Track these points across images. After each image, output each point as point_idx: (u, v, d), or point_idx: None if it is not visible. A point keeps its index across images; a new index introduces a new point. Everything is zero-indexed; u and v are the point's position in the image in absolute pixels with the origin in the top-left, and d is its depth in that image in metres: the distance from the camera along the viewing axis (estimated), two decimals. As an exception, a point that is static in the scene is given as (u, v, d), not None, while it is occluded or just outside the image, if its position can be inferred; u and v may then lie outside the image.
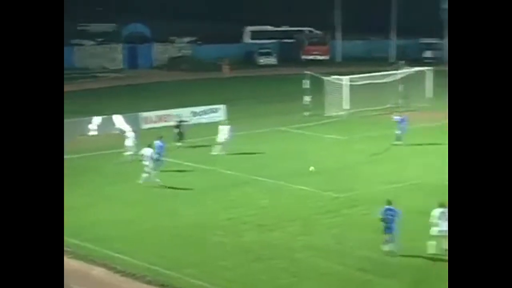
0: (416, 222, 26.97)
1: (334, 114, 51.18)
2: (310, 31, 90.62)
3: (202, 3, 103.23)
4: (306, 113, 51.38)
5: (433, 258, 24.75)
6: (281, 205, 31.27)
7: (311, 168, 32.76)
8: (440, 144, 41.52)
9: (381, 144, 42.48)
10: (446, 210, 24.26)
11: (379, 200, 30.81)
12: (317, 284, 23.13)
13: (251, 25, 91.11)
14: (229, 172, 36.64)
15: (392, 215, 25.25)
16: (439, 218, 24.88)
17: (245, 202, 31.72)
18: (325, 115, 51.21)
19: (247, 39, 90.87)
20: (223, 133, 41.35)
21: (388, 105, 53.63)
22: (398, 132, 42.59)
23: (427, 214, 25.73)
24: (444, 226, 24.24)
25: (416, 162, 38.73)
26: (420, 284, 23.02)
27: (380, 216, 25.45)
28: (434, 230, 25.02)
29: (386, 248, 25.14)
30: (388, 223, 25.14)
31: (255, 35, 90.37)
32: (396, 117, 43.39)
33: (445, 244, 23.99)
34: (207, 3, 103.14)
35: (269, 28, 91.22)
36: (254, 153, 41.18)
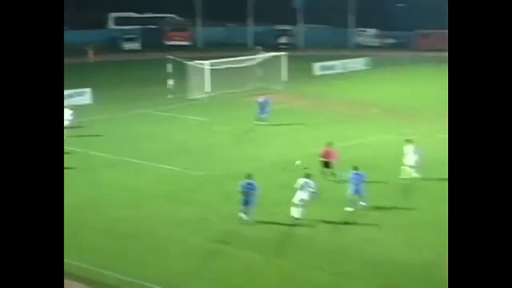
0: (275, 196, 27.47)
1: (197, 97, 51.23)
2: (172, 17, 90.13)
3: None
4: (170, 96, 51.09)
5: (288, 232, 25.16)
6: (148, 184, 30.90)
7: (297, 162, 31.87)
8: (299, 124, 42.34)
9: (242, 125, 42.77)
10: (310, 181, 25.68)
11: (241, 177, 31.12)
12: (181, 258, 22.98)
13: (115, 11, 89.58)
14: (98, 154, 35.87)
15: (250, 189, 25.65)
16: (302, 187, 25.56)
17: (113, 182, 31.14)
18: (188, 98, 51.10)
19: (111, 25, 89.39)
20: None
21: (247, 88, 54.18)
22: (261, 113, 42.88)
23: (288, 188, 26.25)
24: (305, 195, 25.35)
25: (279, 140, 39.20)
26: (280, 252, 23.27)
27: (240, 190, 25.78)
28: (296, 198, 25.67)
29: (244, 218, 25.59)
30: (246, 196, 25.54)
31: (119, 21, 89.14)
32: (260, 100, 43.69)
33: (303, 213, 25.25)
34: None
35: (132, 14, 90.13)
36: (120, 136, 40.48)
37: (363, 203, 27.24)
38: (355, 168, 27.68)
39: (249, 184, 25.78)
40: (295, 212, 25.68)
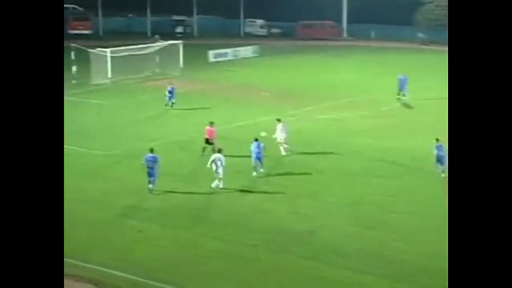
0: (171, 172, 27.76)
1: (99, 82, 50.58)
2: (74, 8, 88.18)
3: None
4: (74, 81, 50.14)
5: (180, 205, 25.46)
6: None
7: (263, 134, 31.35)
8: (194, 108, 42.49)
9: (142, 108, 42.59)
10: (221, 156, 26.85)
11: (140, 156, 31.14)
12: (86, 232, 22.94)
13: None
14: None
15: (153, 161, 26.65)
16: (215, 162, 26.74)
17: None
18: (91, 83, 50.35)
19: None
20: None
21: (146, 74, 53.89)
22: (169, 98, 42.43)
23: (182, 165, 26.62)
24: (219, 170, 26.71)
25: (175, 122, 39.30)
26: (176, 224, 23.54)
27: (144, 162, 26.68)
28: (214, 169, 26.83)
29: (149, 187, 26.51)
30: (150, 168, 26.55)
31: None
32: (169, 88, 43.11)
33: (219, 184, 26.65)
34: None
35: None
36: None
37: (262, 170, 28.57)
38: (256, 139, 29.02)
39: (152, 157, 26.70)
40: (214, 184, 26.82)
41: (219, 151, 27.49)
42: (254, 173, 28.62)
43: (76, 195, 26.26)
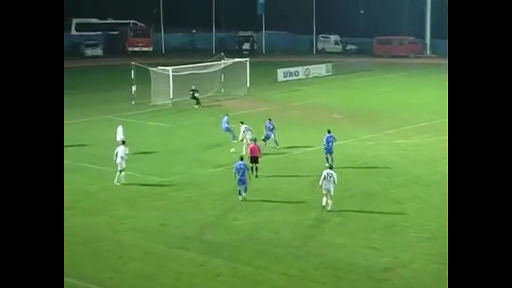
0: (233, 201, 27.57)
1: (160, 103, 51.10)
2: (134, 23, 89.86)
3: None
4: (133, 102, 50.86)
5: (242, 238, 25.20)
6: (107, 190, 30.69)
7: (232, 150, 35.74)
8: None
9: (206, 131, 42.62)
10: (333, 172, 27.89)
11: (202, 183, 31.14)
12: (140, 264, 22.86)
13: (76, 17, 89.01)
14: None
15: (244, 169, 28.99)
16: (326, 178, 27.51)
17: (72, 188, 30.84)
18: (150, 104, 50.95)
19: (72, 31, 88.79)
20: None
21: (210, 94, 54.21)
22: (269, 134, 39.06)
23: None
24: (330, 187, 27.50)
25: (240, 144, 39.24)
26: (240, 256, 23.27)
27: (234, 171, 28.89)
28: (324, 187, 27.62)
29: (243, 196, 28.74)
30: (241, 176, 28.76)
31: (80, 27, 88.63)
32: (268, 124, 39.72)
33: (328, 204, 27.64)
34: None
35: (94, 20, 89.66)
36: (82, 142, 40.22)
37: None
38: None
39: (244, 165, 29.12)
40: (323, 202, 27.50)
41: (331, 167, 28.64)
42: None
43: (128, 224, 26.33)
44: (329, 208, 27.36)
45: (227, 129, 39.31)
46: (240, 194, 28.88)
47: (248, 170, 29.56)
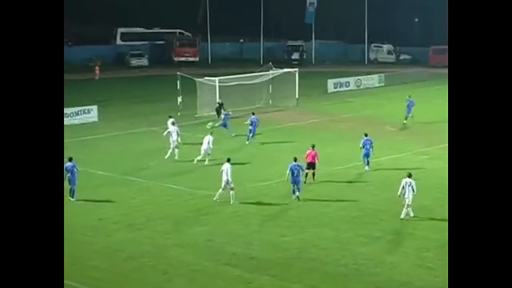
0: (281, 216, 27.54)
1: (206, 114, 51.39)
2: (180, 33, 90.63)
3: (72, 4, 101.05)
4: (179, 114, 51.25)
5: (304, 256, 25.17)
6: (152, 204, 30.93)
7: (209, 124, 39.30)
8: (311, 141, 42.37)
9: (253, 144, 42.82)
10: (412, 180, 28.42)
11: (250, 197, 31.24)
12: (187, 281, 23.02)
13: (122, 26, 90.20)
14: (100, 172, 36.02)
15: (299, 169, 30.80)
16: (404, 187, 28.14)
17: (116, 202, 31.22)
18: (197, 115, 51.30)
19: (118, 40, 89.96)
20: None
21: (258, 106, 54.34)
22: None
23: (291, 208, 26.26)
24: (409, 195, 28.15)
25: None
26: (290, 277, 23.28)
27: (288, 172, 30.55)
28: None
29: (297, 195, 30.60)
30: (295, 176, 30.53)
31: (125, 36, 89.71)
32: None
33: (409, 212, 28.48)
34: (76, 3, 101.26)
35: (139, 30, 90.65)
36: (126, 154, 40.67)
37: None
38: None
39: (298, 165, 30.82)
40: (403, 213, 28.21)
41: (409, 175, 28.64)
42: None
43: (174, 239, 26.51)
44: (411, 214, 28.20)
45: (224, 125, 43.90)
46: (293, 193, 30.69)
47: (303, 171, 31.53)
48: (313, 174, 33.50)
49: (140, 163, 38.16)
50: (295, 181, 30.73)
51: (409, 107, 49.35)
